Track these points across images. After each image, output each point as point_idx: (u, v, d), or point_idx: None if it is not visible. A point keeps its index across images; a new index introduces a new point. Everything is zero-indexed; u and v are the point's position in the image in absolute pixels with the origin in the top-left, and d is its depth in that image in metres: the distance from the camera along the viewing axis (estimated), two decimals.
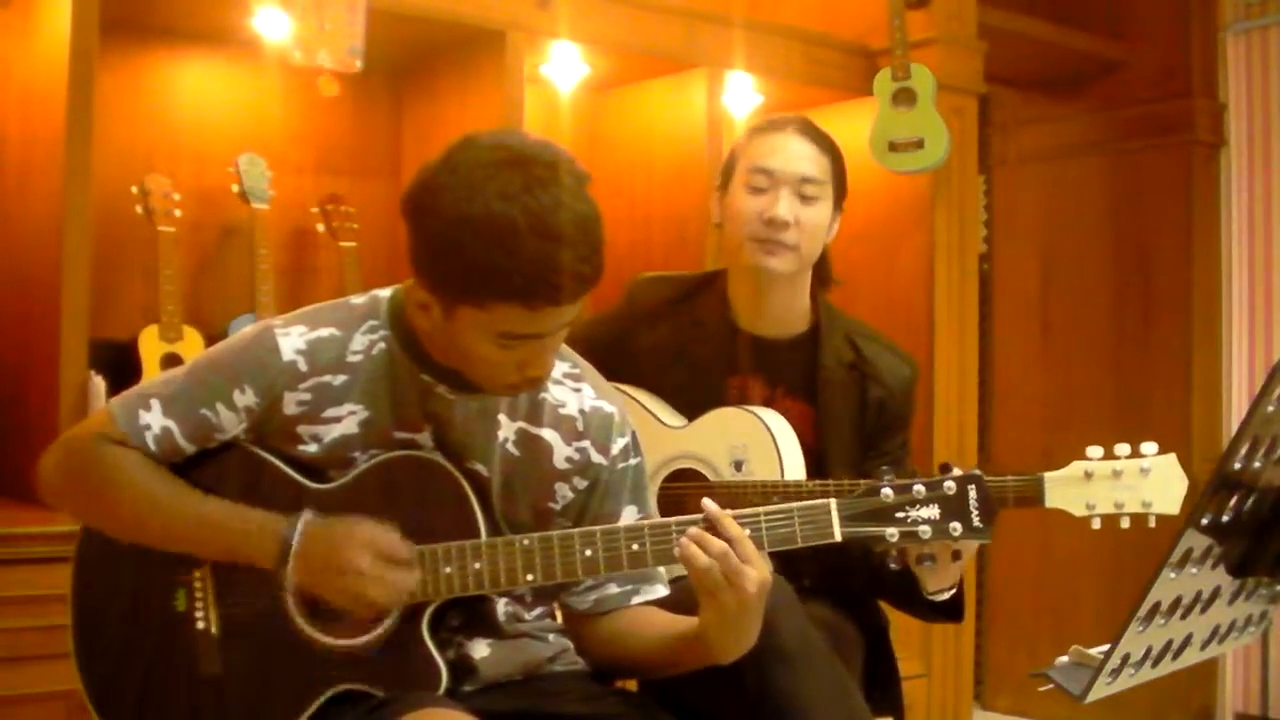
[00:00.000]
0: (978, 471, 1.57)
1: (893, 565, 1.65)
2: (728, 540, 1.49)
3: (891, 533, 1.56)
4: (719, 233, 2.20)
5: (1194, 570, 1.55)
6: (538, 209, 1.42)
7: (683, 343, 2.14)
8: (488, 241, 1.42)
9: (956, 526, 1.55)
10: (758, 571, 1.49)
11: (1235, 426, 1.64)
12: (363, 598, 1.51)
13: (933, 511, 1.55)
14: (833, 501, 1.55)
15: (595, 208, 1.49)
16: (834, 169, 2.12)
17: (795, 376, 2.12)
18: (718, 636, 1.53)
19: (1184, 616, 1.59)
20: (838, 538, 1.55)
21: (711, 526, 1.51)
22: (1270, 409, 1.50)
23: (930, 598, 1.88)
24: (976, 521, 1.55)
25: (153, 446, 1.58)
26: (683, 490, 2.07)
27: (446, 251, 1.46)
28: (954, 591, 1.89)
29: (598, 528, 1.56)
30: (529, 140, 1.50)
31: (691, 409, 2.11)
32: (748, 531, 1.53)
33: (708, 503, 1.53)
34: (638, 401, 2.11)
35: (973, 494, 1.55)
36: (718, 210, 2.18)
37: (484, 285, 1.44)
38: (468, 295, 1.46)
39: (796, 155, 2.09)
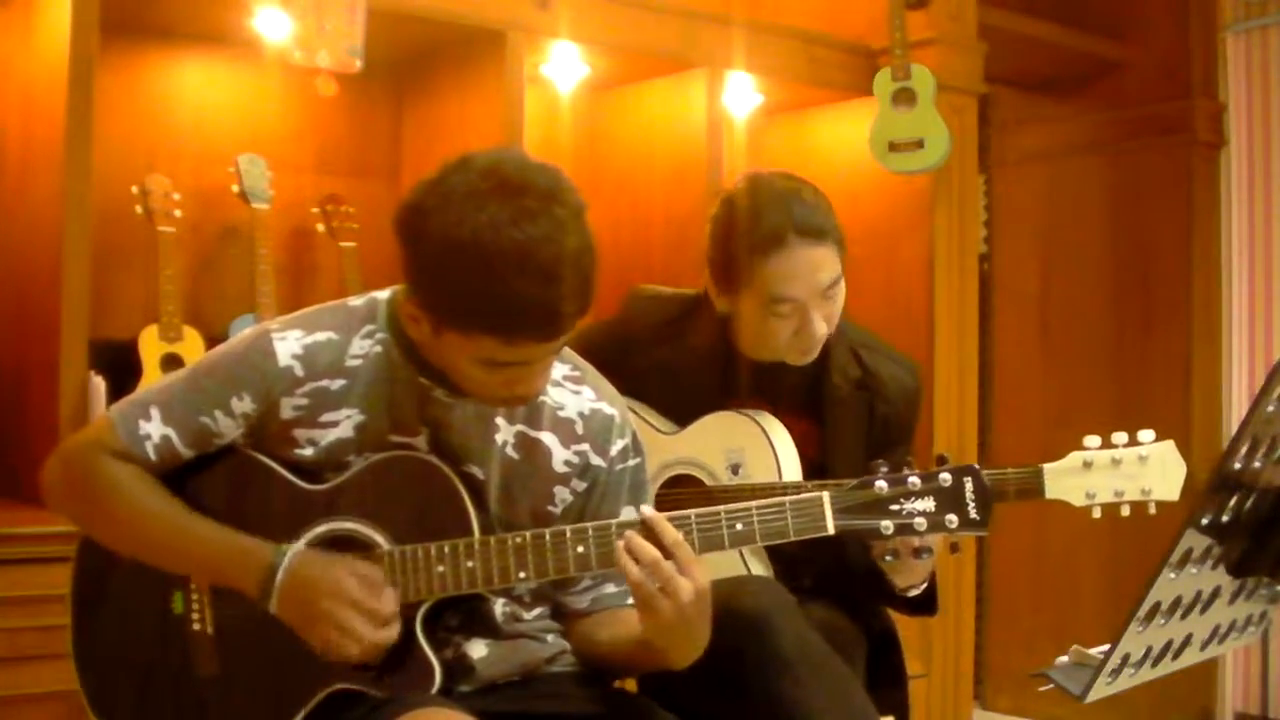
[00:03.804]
0: (974, 464, 1.56)
1: (889, 559, 1.64)
2: (663, 547, 1.48)
3: (886, 525, 1.54)
4: (722, 303, 2.03)
5: (1194, 570, 1.55)
6: (524, 243, 1.40)
7: (679, 367, 2.09)
8: (471, 273, 1.41)
9: (953, 519, 1.54)
10: (692, 581, 1.47)
11: (1235, 426, 1.64)
12: (334, 650, 1.51)
13: (928, 504, 1.54)
14: (825, 494, 1.54)
15: (587, 240, 1.46)
16: (838, 243, 1.96)
17: (796, 394, 2.08)
18: (661, 644, 1.53)
19: (1184, 616, 1.59)
20: (830, 530, 1.54)
21: (649, 532, 1.49)
22: (1270, 409, 1.50)
23: (900, 593, 1.88)
24: (973, 513, 1.54)
25: (152, 456, 1.59)
26: (680, 496, 2.06)
27: (432, 276, 1.46)
28: (925, 586, 1.89)
29: (589, 524, 1.56)
30: (527, 165, 1.47)
31: (687, 425, 2.08)
32: (739, 526, 1.52)
33: (646, 508, 1.53)
34: (631, 408, 2.09)
35: (969, 486, 1.54)
36: (717, 294, 2.02)
37: (465, 314, 1.45)
38: (451, 320, 1.46)
39: (812, 269, 1.92)
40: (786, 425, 2.06)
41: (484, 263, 1.40)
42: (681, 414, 2.09)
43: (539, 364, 1.51)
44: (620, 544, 1.49)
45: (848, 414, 2.06)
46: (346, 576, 1.51)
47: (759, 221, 1.93)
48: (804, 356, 2.01)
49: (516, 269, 1.40)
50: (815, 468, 2.04)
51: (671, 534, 1.49)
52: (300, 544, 1.55)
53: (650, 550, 1.48)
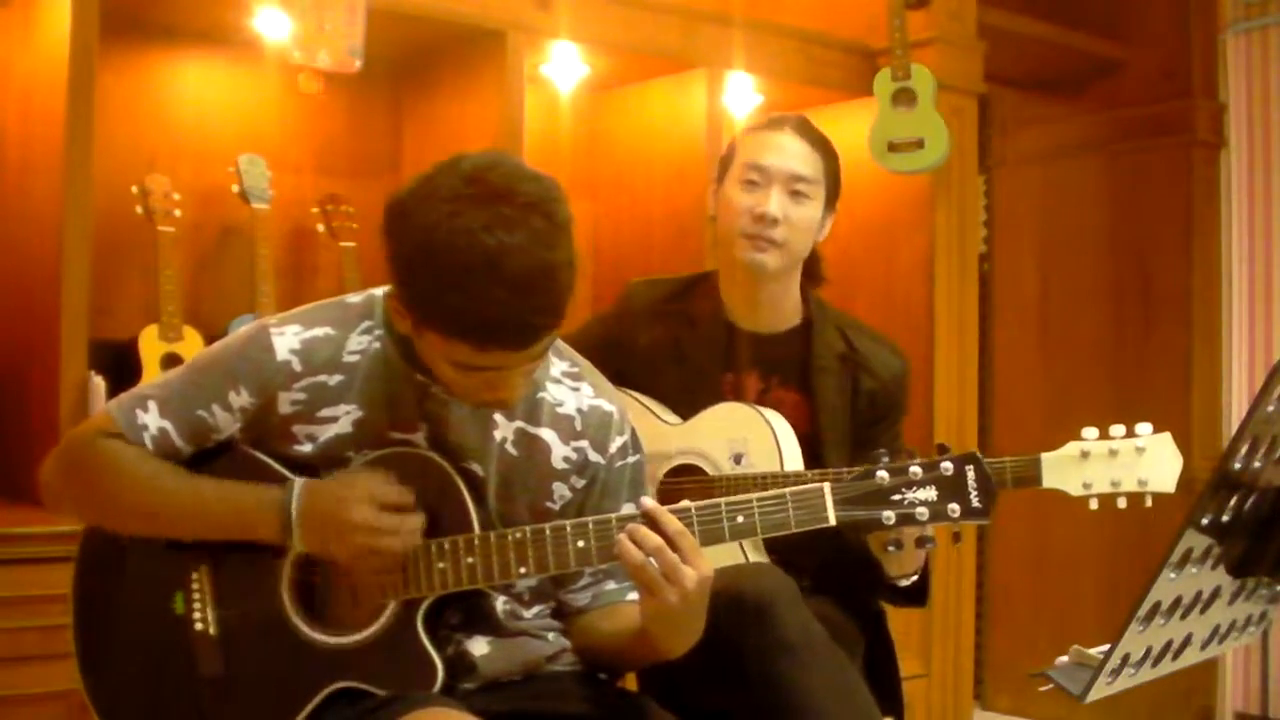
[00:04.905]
0: (975, 451, 1.55)
1: (890, 549, 1.64)
2: (666, 536, 1.48)
3: (888, 515, 1.54)
4: (713, 226, 2.23)
5: (1194, 570, 1.55)
6: (496, 252, 1.39)
7: (678, 341, 2.16)
8: (443, 277, 1.41)
9: (955, 508, 1.53)
10: (696, 570, 1.48)
11: (1235, 426, 1.64)
12: (376, 551, 1.51)
13: (930, 493, 1.53)
14: (826, 485, 1.54)
15: (566, 255, 1.44)
16: (828, 169, 2.14)
17: (789, 368, 2.14)
18: (659, 632, 1.53)
19: (1184, 616, 1.59)
20: (832, 521, 1.53)
21: (651, 523, 1.49)
22: (1270, 409, 1.50)
23: (893, 582, 1.88)
24: (975, 502, 1.53)
25: (150, 447, 1.59)
26: (683, 486, 2.07)
27: (408, 275, 1.46)
28: (916, 577, 1.89)
29: (589, 518, 1.56)
30: (515, 173, 1.45)
31: (688, 406, 2.11)
32: (740, 518, 1.52)
33: (645, 499, 1.53)
34: (636, 399, 2.12)
35: (971, 474, 1.53)
36: (713, 203, 2.20)
37: (436, 318, 1.44)
38: (426, 321, 1.46)
39: (790, 153, 2.11)
40: (778, 395, 2.12)
41: (455, 269, 1.40)
42: (683, 386, 2.13)
43: (517, 370, 1.50)
44: (623, 535, 1.49)
45: (831, 385, 2.11)
46: (354, 483, 1.52)
47: (768, 116, 2.20)
48: (753, 245, 2.08)
49: (486, 277, 1.39)
50: (805, 440, 2.08)
51: (674, 524, 1.49)
52: (303, 480, 1.55)
53: (654, 539, 1.48)
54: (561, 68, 3.27)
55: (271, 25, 2.69)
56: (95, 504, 1.62)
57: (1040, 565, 4.25)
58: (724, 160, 2.19)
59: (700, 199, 3.17)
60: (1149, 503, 1.76)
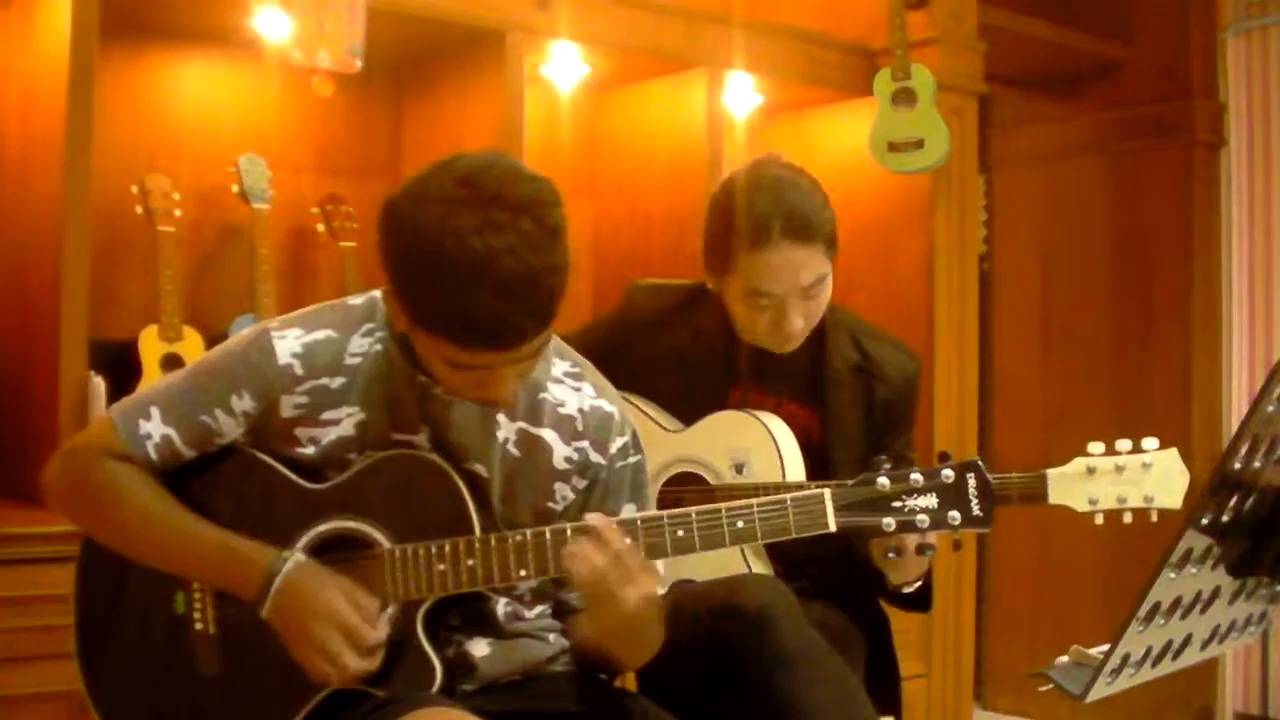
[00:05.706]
0: (977, 459, 1.55)
1: (891, 555, 1.64)
2: (611, 554, 1.48)
3: (888, 522, 1.54)
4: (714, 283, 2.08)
5: (1194, 570, 1.55)
6: (485, 255, 1.40)
7: (683, 353, 2.11)
8: (431, 278, 1.42)
9: (955, 515, 1.53)
10: (637, 587, 1.48)
11: (1235, 426, 1.64)
12: (312, 670, 1.51)
13: (930, 500, 1.53)
14: (826, 491, 1.54)
15: (556, 259, 1.44)
16: (827, 244, 1.98)
17: (798, 382, 2.10)
18: (607, 642, 1.56)
19: (1184, 616, 1.59)
20: (832, 527, 1.53)
21: (598, 540, 1.49)
22: (1270, 409, 1.50)
23: (894, 589, 1.88)
24: (976, 510, 1.53)
25: (154, 456, 1.59)
26: (683, 494, 2.06)
27: (399, 275, 1.47)
28: (919, 584, 1.89)
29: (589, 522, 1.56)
30: (509, 175, 1.45)
31: (692, 418, 2.08)
32: (740, 523, 1.52)
33: (592, 515, 1.53)
34: (636, 406, 2.10)
35: (972, 482, 1.53)
36: (713, 281, 2.06)
37: (425, 317, 1.45)
38: (416, 319, 1.47)
39: (795, 269, 1.95)
40: (789, 410, 2.08)
41: (443, 270, 1.41)
42: (687, 400, 2.10)
43: (507, 370, 1.50)
44: (569, 551, 1.49)
45: (846, 397, 2.08)
46: (340, 600, 1.51)
47: (750, 212, 1.96)
48: (780, 348, 2.04)
49: (473, 280, 1.40)
50: (817, 452, 2.05)
51: (617, 541, 1.49)
52: (300, 552, 1.55)
53: (597, 558, 1.48)
54: (561, 68, 3.27)
55: (271, 25, 2.69)
56: (93, 527, 1.64)
57: (1040, 565, 4.25)
58: (716, 250, 2.01)
59: (701, 199, 3.16)
60: (1155, 518, 1.75)
